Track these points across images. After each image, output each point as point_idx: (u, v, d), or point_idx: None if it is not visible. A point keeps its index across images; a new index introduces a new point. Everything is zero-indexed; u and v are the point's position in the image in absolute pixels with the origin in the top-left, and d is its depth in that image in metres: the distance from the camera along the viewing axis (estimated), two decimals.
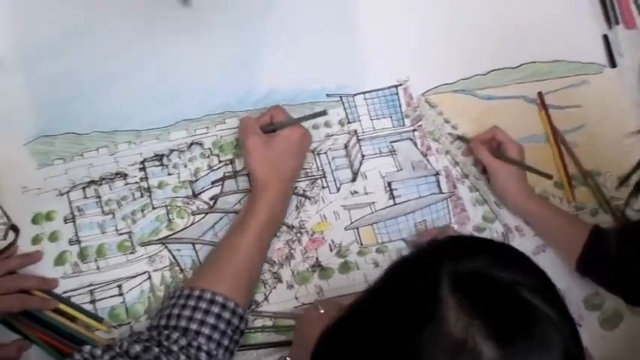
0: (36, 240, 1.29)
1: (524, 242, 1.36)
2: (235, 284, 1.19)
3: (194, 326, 1.12)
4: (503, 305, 0.75)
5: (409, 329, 0.76)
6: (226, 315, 1.15)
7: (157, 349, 1.07)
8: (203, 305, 1.14)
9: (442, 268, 0.77)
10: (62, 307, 1.24)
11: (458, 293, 0.74)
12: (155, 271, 1.29)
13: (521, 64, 1.46)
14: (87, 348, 1.05)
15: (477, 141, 1.36)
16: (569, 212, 1.39)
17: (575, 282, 1.33)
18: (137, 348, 1.06)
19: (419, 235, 1.36)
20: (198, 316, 1.13)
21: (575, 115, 1.45)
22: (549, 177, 1.36)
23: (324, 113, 1.35)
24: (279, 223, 1.31)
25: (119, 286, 1.28)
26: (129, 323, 1.27)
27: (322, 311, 1.17)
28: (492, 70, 1.45)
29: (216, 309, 1.14)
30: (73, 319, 1.24)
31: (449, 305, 0.73)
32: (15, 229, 0.95)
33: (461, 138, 1.41)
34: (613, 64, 1.47)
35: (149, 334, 1.11)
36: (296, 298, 1.30)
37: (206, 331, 1.12)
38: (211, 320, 1.13)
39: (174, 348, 1.08)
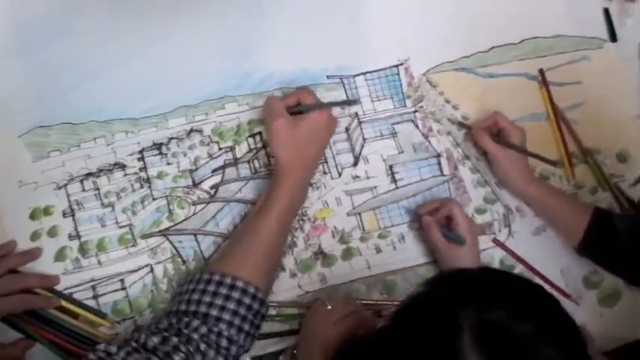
0: (35, 236, 1.27)
1: (525, 223, 1.37)
2: (256, 269, 1.17)
3: (214, 312, 1.11)
4: None
5: None
6: (247, 300, 1.14)
7: (175, 339, 1.06)
8: (223, 291, 1.13)
9: (463, 317, 0.77)
10: (65, 304, 1.23)
11: (479, 349, 0.75)
12: (157, 263, 1.28)
13: (523, 40, 1.44)
14: (101, 346, 1.03)
15: (478, 128, 1.35)
16: (569, 192, 1.39)
17: (575, 261, 1.34)
18: (155, 340, 1.05)
19: (422, 206, 1.35)
20: (219, 301, 1.12)
21: (576, 92, 1.44)
22: (552, 163, 1.35)
23: (355, 102, 1.36)
24: (299, 208, 1.30)
25: (121, 281, 1.27)
26: (133, 317, 1.26)
27: (329, 307, 1.19)
28: (494, 47, 1.43)
29: (236, 294, 1.13)
30: (75, 315, 1.23)
31: None
32: None
33: (462, 124, 1.39)
34: (614, 38, 1.46)
35: (168, 322, 1.10)
36: (299, 286, 1.30)
37: (227, 317, 1.11)
38: (232, 306, 1.12)
39: (195, 336, 1.08)
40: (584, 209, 1.29)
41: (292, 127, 1.24)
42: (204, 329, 1.09)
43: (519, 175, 1.33)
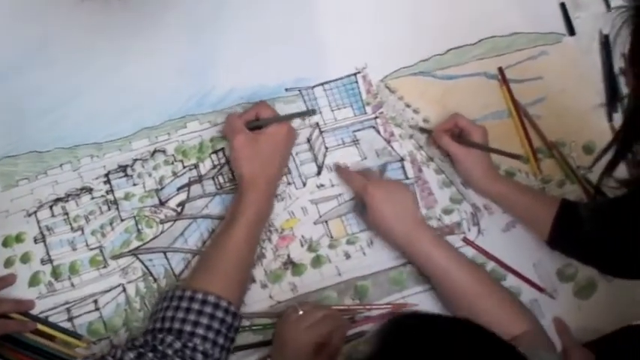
0: (8, 263, 1.30)
1: (494, 220, 1.37)
2: (226, 283, 1.20)
3: (188, 327, 1.14)
4: None
5: None
6: (219, 314, 1.16)
7: (150, 355, 1.08)
8: (195, 306, 1.15)
9: None
10: (40, 327, 1.26)
11: None
12: (129, 282, 1.31)
13: (480, 40, 1.44)
14: None
15: (439, 130, 1.36)
16: (536, 187, 1.40)
17: (547, 255, 1.34)
18: (131, 355, 1.07)
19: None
20: (192, 317, 1.14)
21: (537, 87, 1.44)
22: (517, 157, 1.35)
23: (312, 112, 1.38)
24: (266, 220, 1.32)
25: (95, 301, 1.29)
26: (108, 337, 1.28)
27: (301, 313, 1.20)
28: (451, 49, 1.44)
29: (208, 309, 1.15)
30: (52, 338, 1.26)
31: None
32: None
33: (423, 129, 1.40)
34: (572, 31, 1.46)
35: (144, 339, 1.12)
36: (270, 297, 1.31)
37: (200, 331, 1.14)
38: (205, 320, 1.14)
39: (169, 352, 1.10)
40: (552, 203, 1.29)
41: (252, 141, 1.27)
42: (178, 344, 1.11)
43: (484, 174, 1.33)
